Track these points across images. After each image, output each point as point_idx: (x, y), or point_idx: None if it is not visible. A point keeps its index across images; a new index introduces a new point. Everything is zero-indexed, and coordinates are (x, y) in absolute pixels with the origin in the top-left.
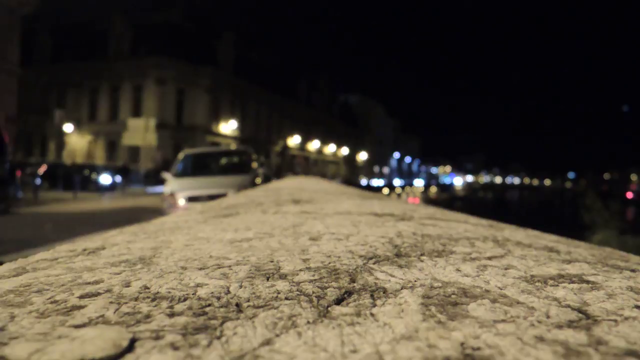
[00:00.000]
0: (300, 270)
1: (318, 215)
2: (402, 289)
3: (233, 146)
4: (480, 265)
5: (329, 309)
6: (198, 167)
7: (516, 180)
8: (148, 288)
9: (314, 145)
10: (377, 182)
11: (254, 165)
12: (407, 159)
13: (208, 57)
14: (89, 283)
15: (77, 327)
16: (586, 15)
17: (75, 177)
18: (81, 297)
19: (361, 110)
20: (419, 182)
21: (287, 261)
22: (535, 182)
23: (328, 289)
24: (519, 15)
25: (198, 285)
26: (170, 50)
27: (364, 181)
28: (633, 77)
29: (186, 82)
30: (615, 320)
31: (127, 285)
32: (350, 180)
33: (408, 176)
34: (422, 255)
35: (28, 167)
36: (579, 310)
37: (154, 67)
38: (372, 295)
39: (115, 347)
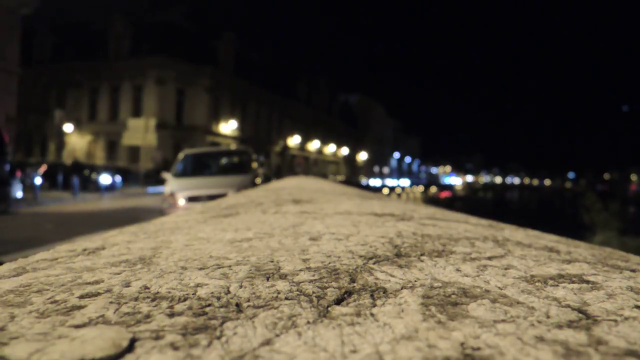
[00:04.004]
0: (300, 270)
1: (318, 215)
2: (402, 289)
3: (233, 146)
4: (480, 265)
5: (329, 309)
6: (198, 167)
7: (516, 180)
8: (148, 288)
9: (314, 145)
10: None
11: (254, 165)
12: (407, 159)
13: (208, 57)
14: (89, 283)
15: (77, 327)
16: (586, 15)
17: (75, 178)
18: (81, 297)
19: (361, 110)
20: (405, 182)
21: (287, 261)
22: (535, 182)
23: (328, 289)
24: (519, 15)
25: (198, 285)
26: (170, 50)
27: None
28: (633, 77)
29: (186, 82)
30: (615, 320)
31: (127, 285)
32: (350, 180)
33: (408, 176)
34: (422, 255)
35: (28, 167)
36: (579, 310)
37: (154, 67)
38: (372, 295)
39: (115, 347)
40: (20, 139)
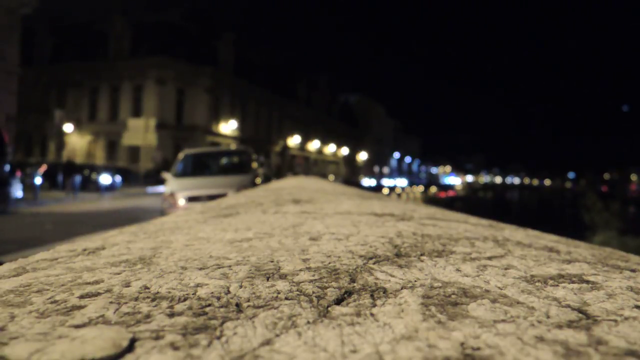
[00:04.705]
0: (300, 270)
1: (318, 215)
2: (402, 289)
3: (233, 146)
4: (480, 265)
5: (329, 309)
6: (198, 167)
7: (516, 180)
8: (148, 288)
9: (314, 145)
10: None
11: (254, 165)
12: (407, 159)
13: (208, 57)
14: (89, 283)
15: (77, 327)
16: (587, 15)
17: (73, 177)
18: (81, 297)
19: (361, 110)
20: (402, 182)
21: (287, 261)
22: (535, 182)
23: (328, 289)
24: (519, 15)
25: (198, 285)
26: (170, 50)
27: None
28: (633, 77)
29: (186, 82)
30: (615, 320)
31: (127, 285)
32: (350, 180)
33: (405, 175)
34: (422, 255)
35: (28, 167)
36: (579, 310)
37: (154, 67)
38: (372, 295)
39: (115, 347)
40: (20, 139)
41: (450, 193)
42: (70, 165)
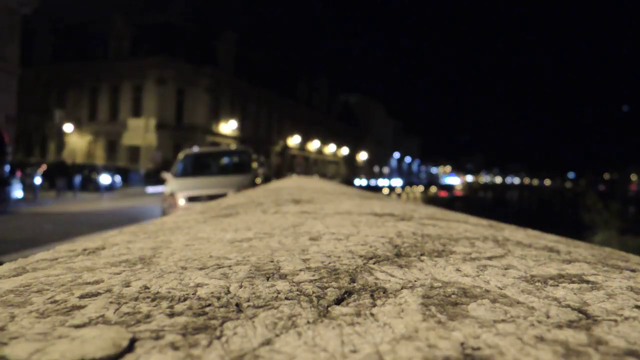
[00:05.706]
0: (300, 270)
1: (318, 215)
2: (402, 289)
3: (233, 146)
4: (480, 265)
5: (329, 309)
6: (198, 167)
7: (516, 181)
8: (148, 288)
9: (314, 145)
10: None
11: (254, 165)
12: (407, 159)
13: (208, 57)
14: (89, 283)
15: (77, 327)
16: (586, 15)
17: (74, 177)
18: (81, 297)
19: (361, 110)
20: (397, 182)
21: (287, 261)
22: (535, 182)
23: (328, 289)
24: (518, 15)
25: (198, 285)
26: (170, 50)
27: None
28: (633, 77)
29: (186, 82)
30: (615, 320)
31: (127, 285)
32: (349, 180)
33: (402, 175)
34: (422, 255)
35: (28, 167)
36: (579, 310)
37: (154, 67)
38: (372, 295)
39: (115, 347)
40: (20, 139)
41: (457, 193)
42: (62, 165)
